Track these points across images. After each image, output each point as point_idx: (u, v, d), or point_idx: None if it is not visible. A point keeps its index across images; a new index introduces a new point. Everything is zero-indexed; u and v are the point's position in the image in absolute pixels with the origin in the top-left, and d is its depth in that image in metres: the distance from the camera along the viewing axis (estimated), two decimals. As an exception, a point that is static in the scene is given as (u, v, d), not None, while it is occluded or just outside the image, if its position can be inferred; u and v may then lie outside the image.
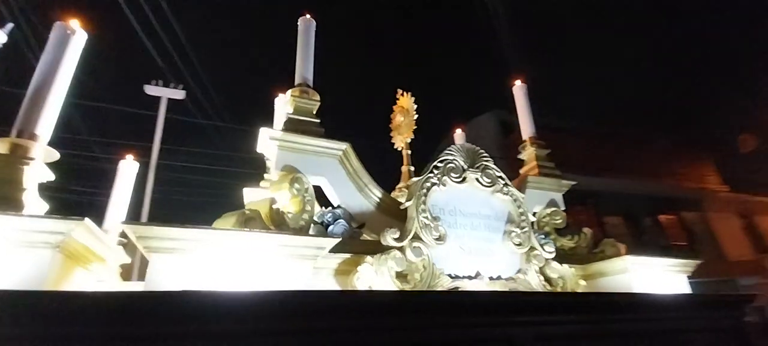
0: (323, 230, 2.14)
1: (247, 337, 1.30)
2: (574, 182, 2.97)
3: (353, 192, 2.34)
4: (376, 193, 2.36)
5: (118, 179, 2.97)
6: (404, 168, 3.26)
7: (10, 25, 2.35)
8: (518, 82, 3.42)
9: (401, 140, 3.45)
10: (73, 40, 1.77)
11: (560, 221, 2.70)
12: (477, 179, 2.35)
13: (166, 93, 6.43)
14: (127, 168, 3.02)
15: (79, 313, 1.13)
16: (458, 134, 4.04)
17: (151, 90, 6.57)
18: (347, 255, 1.89)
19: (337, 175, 2.33)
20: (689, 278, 2.47)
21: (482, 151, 2.45)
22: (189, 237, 1.45)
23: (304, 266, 1.63)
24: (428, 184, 2.20)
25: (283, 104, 3.40)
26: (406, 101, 3.45)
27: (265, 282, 1.53)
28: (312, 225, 2.09)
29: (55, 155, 1.61)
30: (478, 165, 2.38)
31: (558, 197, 2.89)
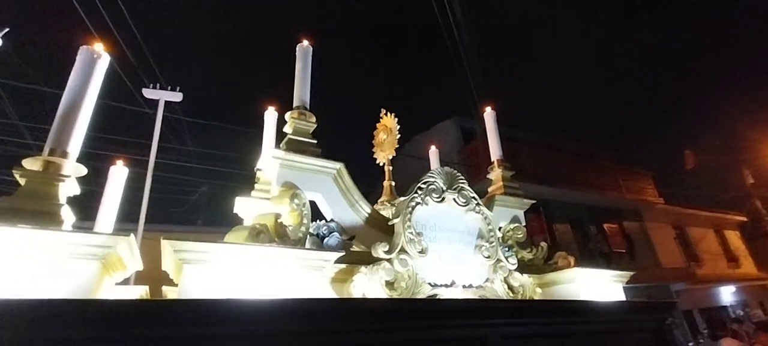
0: (318, 241, 2.39)
1: (266, 338, 1.54)
2: (533, 201, 3.39)
3: (345, 207, 2.61)
4: (365, 208, 2.64)
5: (109, 184, 3.05)
6: (386, 183, 3.56)
7: (4, 29, 2.38)
8: (488, 109, 3.81)
9: (383, 156, 3.75)
10: (98, 64, 1.92)
11: (521, 235, 3.10)
12: (454, 199, 2.69)
13: (164, 96, 6.36)
14: (118, 173, 3.10)
15: (128, 318, 1.33)
16: (433, 152, 4.40)
17: (149, 93, 6.47)
18: (343, 265, 2.15)
19: (331, 191, 2.59)
20: (628, 283, 2.95)
21: (459, 174, 2.80)
22: (217, 250, 1.66)
23: (313, 276, 1.88)
24: (413, 203, 2.51)
25: (273, 118, 3.60)
26: (389, 121, 3.76)
27: (280, 290, 1.77)
28: (308, 237, 2.33)
29: (84, 171, 1.75)
30: (455, 187, 2.73)
31: (520, 213, 3.30)
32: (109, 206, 2.98)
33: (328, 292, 2.05)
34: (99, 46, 1.95)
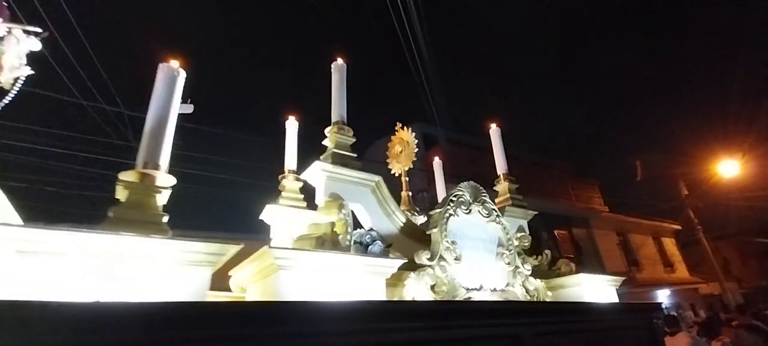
0: (362, 248, 2.59)
1: (345, 335, 1.72)
2: (536, 212, 3.78)
3: (382, 217, 2.83)
4: (401, 218, 2.87)
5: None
6: (403, 193, 3.80)
7: (41, 32, 2.34)
8: (493, 126, 4.17)
9: (399, 168, 3.98)
10: (178, 80, 2.01)
11: (527, 243, 3.46)
12: (478, 211, 2.99)
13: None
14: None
15: (248, 319, 1.47)
16: (436, 163, 4.70)
17: None
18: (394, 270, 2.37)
19: (370, 202, 2.80)
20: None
21: (481, 188, 3.10)
22: (305, 258, 1.83)
23: (379, 282, 2.08)
24: (447, 215, 2.77)
25: (294, 128, 3.74)
26: (405, 135, 4.00)
27: (352, 294, 1.96)
28: (353, 244, 2.53)
29: (173, 180, 1.85)
30: (479, 199, 3.03)
31: (525, 223, 3.66)
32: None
33: (384, 295, 2.25)
34: (176, 63, 2.04)
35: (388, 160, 4.18)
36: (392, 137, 4.28)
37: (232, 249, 1.63)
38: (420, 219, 3.64)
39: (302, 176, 2.91)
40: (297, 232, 3.31)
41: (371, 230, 2.73)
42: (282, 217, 3.27)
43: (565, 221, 17.24)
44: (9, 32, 2.23)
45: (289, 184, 3.44)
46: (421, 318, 1.94)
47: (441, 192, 4.59)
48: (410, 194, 3.81)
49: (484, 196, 3.07)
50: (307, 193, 3.17)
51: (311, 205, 3.07)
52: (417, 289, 2.34)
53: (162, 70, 1.99)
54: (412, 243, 2.81)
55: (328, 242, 2.21)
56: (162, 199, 1.77)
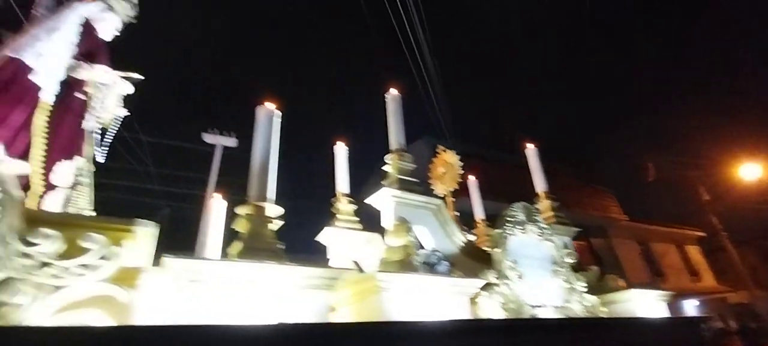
0: (430, 268, 2.75)
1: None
2: (579, 229, 3.91)
3: (444, 238, 3.00)
4: (461, 239, 3.04)
5: (211, 215, 3.28)
6: (450, 213, 3.96)
7: (137, 77, 2.60)
8: (530, 146, 4.33)
9: (444, 189, 4.16)
10: (275, 120, 2.23)
11: (573, 260, 3.59)
12: (532, 230, 3.14)
13: (220, 140, 6.52)
14: (217, 205, 3.34)
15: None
16: (472, 181, 4.86)
17: (207, 138, 6.59)
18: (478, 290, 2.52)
19: (432, 224, 2.97)
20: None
21: (533, 208, 3.26)
22: (402, 280, 2.01)
23: (463, 301, 2.25)
24: (506, 234, 2.93)
25: (343, 152, 3.96)
26: (449, 156, 4.20)
27: (442, 312, 2.12)
28: (420, 265, 2.69)
29: (281, 211, 2.05)
30: (532, 219, 3.18)
31: (569, 240, 3.79)
32: (214, 235, 3.21)
33: (468, 313, 2.40)
34: (272, 105, 2.27)
35: (430, 181, 4.37)
36: (434, 160, 4.47)
37: (347, 274, 1.82)
38: (470, 238, 3.80)
39: (368, 200, 3.10)
40: (354, 253, 3.51)
41: (435, 250, 2.89)
42: (339, 238, 3.46)
43: (581, 232, 16.97)
44: (115, 81, 2.48)
45: (343, 206, 3.64)
46: (509, 334, 2.11)
47: (478, 210, 4.75)
48: (458, 214, 3.98)
49: (536, 215, 3.22)
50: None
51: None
52: (490, 307, 2.49)
53: (261, 113, 2.22)
54: (473, 262, 2.97)
55: (408, 264, 2.39)
56: (274, 228, 1.97)
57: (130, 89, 2.68)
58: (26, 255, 1.22)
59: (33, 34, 1.90)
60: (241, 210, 1.94)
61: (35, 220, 1.30)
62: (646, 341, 2.80)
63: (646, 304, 3.24)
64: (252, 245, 1.81)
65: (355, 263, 3.39)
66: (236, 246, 1.83)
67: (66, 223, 1.33)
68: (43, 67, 1.88)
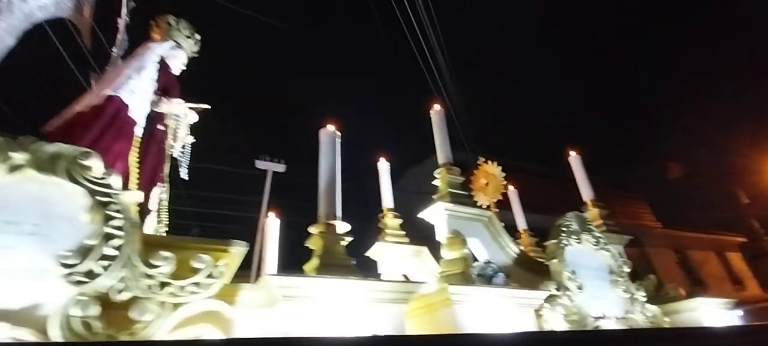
0: (486, 280, 2.76)
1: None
2: (631, 236, 3.83)
3: (497, 250, 3.00)
4: (514, 249, 3.03)
5: (267, 234, 3.39)
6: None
7: (205, 107, 2.76)
8: (573, 154, 4.30)
9: (487, 200, 4.16)
10: (337, 142, 2.33)
11: (628, 269, 3.51)
12: (587, 240, 3.10)
13: (271, 166, 6.85)
14: (272, 224, 3.45)
15: None
16: (513, 192, 4.83)
17: (260, 164, 6.93)
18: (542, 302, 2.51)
19: (485, 236, 2.98)
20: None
21: (586, 216, 3.23)
22: (473, 292, 2.03)
23: (528, 312, 2.25)
24: (562, 245, 2.91)
25: (386, 168, 4.03)
26: (490, 168, 4.20)
27: (509, 324, 2.12)
28: (476, 277, 2.70)
29: (347, 227, 2.12)
30: (585, 228, 3.15)
31: (621, 249, 3.72)
32: (271, 252, 3.32)
33: (535, 325, 2.39)
34: (334, 128, 2.36)
35: (473, 193, 4.37)
36: (475, 172, 4.48)
37: (422, 288, 1.86)
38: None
39: (421, 215, 3.14)
40: (403, 266, 3.54)
41: (489, 262, 2.90)
42: (388, 253, 3.51)
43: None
44: (186, 113, 2.64)
45: (390, 221, 3.69)
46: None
47: (520, 220, 4.72)
48: (503, 225, 3.96)
49: (590, 225, 3.19)
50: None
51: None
52: (553, 318, 2.47)
53: (324, 135, 2.32)
54: (527, 274, 2.96)
55: (468, 276, 2.41)
56: (344, 244, 2.05)
57: (196, 118, 2.86)
58: (148, 276, 1.32)
59: (126, 73, 2.07)
60: (314, 229, 2.02)
61: (151, 244, 1.41)
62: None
63: (711, 313, 3.13)
64: (327, 262, 1.88)
65: (404, 276, 3.43)
66: (312, 263, 1.91)
67: (178, 246, 1.43)
68: (136, 103, 2.05)
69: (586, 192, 4.10)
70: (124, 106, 2.00)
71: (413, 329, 2.34)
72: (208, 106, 2.80)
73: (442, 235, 2.85)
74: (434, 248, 3.01)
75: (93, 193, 1.35)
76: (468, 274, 2.48)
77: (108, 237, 1.30)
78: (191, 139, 2.81)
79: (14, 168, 1.28)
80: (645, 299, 3.04)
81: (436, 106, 3.47)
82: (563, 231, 3.00)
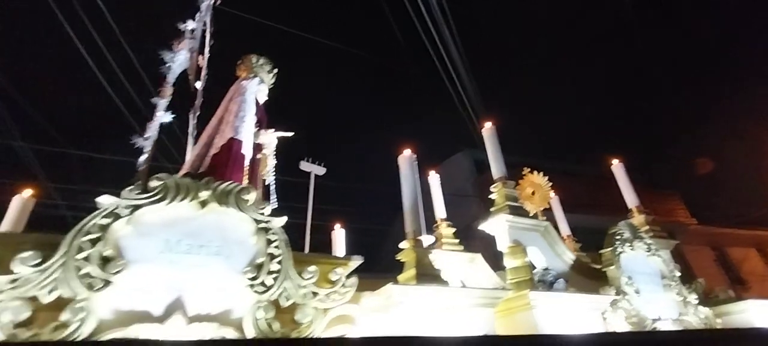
0: (547, 286, 3.00)
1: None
2: (677, 241, 3.99)
3: (554, 257, 3.24)
4: (570, 256, 3.27)
5: (335, 242, 3.75)
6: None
7: (292, 134, 3.11)
8: (615, 162, 4.47)
9: (534, 208, 4.39)
10: (414, 164, 2.65)
11: (678, 273, 3.68)
12: (639, 246, 3.31)
13: (314, 169, 7.22)
14: (339, 234, 3.80)
15: None
16: (554, 199, 5.02)
17: (304, 166, 7.36)
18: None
19: (542, 244, 3.23)
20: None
21: (637, 225, 3.44)
22: (546, 298, 2.30)
23: (596, 316, 2.49)
24: (618, 252, 3.14)
25: (436, 180, 4.29)
26: (535, 178, 4.43)
27: (579, 326, 2.37)
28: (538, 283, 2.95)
29: (433, 240, 2.43)
30: (637, 236, 3.36)
31: (668, 253, 3.88)
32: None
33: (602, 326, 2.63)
34: (410, 152, 2.67)
35: (520, 202, 4.61)
36: (519, 181, 4.72)
37: (507, 293, 2.15)
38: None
39: (481, 227, 3.41)
40: (459, 273, 3.81)
41: (547, 269, 3.15)
42: (445, 260, 3.80)
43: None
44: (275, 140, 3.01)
45: (445, 230, 3.98)
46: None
47: (563, 226, 4.91)
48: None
49: (641, 232, 3.39)
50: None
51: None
52: (616, 321, 2.71)
53: (403, 159, 2.64)
54: (584, 279, 3.19)
55: (532, 282, 2.67)
56: (433, 257, 2.35)
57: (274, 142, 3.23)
58: (302, 286, 1.66)
59: (240, 115, 2.45)
60: (405, 244, 2.34)
61: (298, 260, 1.75)
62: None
63: (761, 313, 3.28)
64: (422, 272, 2.19)
65: (462, 282, 3.71)
66: (408, 273, 2.22)
67: (317, 261, 1.77)
68: (247, 139, 2.42)
69: (630, 199, 4.28)
70: (240, 144, 2.37)
71: (499, 330, 2.63)
72: (293, 133, 3.16)
73: (503, 245, 3.12)
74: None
75: (256, 220, 1.71)
76: (533, 280, 2.75)
77: (272, 256, 1.65)
78: (274, 161, 3.18)
79: (202, 203, 1.64)
80: (697, 302, 3.22)
81: (488, 124, 3.74)
82: (617, 239, 3.22)
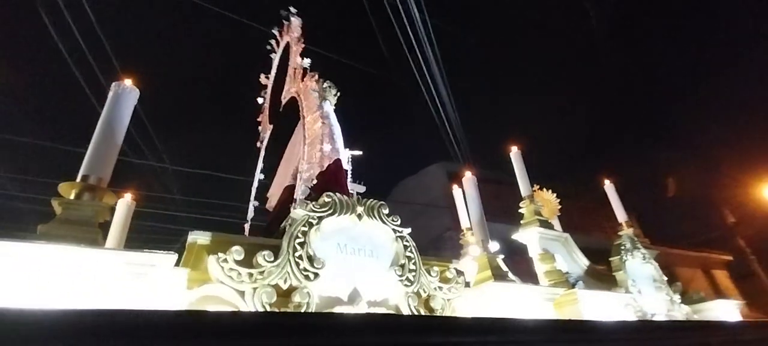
0: (570, 286, 3.66)
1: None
2: (657, 251, 4.81)
3: (572, 263, 3.92)
4: (585, 263, 3.96)
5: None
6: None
7: (360, 153, 3.60)
8: (607, 182, 5.28)
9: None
10: (473, 182, 3.23)
11: (665, 278, 4.47)
12: (637, 255, 4.06)
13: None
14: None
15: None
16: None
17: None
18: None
19: (563, 252, 3.90)
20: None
21: (634, 236, 4.20)
22: (586, 295, 2.93)
23: (615, 309, 3.16)
24: (624, 260, 3.86)
25: (459, 194, 4.88)
26: (544, 194, 5.16)
27: (609, 316, 3.02)
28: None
29: (498, 246, 3.00)
30: (635, 246, 4.11)
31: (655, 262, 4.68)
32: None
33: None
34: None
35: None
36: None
37: (560, 291, 2.76)
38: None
39: (515, 236, 4.02)
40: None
41: (567, 273, 3.81)
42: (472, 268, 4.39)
43: (602, 256, 17.29)
44: (349, 158, 3.51)
45: (471, 238, 4.58)
46: (652, 331, 3.01)
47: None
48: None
49: (637, 243, 4.16)
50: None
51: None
52: (628, 314, 3.40)
53: (467, 181, 3.21)
54: (596, 282, 3.89)
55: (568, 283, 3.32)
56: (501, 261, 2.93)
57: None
58: (432, 282, 2.18)
59: (335, 137, 2.93)
60: (476, 250, 2.91)
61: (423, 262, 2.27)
62: (731, 340, 3.67)
63: (727, 311, 4.12)
64: (496, 273, 2.76)
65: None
66: (484, 275, 2.78)
67: (435, 263, 2.29)
68: (343, 156, 2.91)
69: (620, 214, 5.09)
70: (340, 161, 2.85)
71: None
72: (360, 152, 3.66)
73: (534, 252, 3.76)
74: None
75: (394, 230, 2.21)
76: (567, 281, 3.39)
77: (409, 258, 2.16)
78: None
79: (359, 216, 2.13)
80: (680, 302, 4.01)
81: (514, 148, 4.40)
82: (622, 249, 3.96)
